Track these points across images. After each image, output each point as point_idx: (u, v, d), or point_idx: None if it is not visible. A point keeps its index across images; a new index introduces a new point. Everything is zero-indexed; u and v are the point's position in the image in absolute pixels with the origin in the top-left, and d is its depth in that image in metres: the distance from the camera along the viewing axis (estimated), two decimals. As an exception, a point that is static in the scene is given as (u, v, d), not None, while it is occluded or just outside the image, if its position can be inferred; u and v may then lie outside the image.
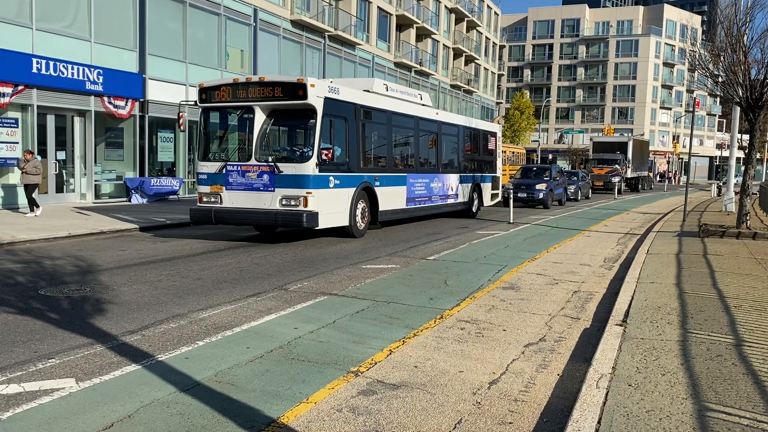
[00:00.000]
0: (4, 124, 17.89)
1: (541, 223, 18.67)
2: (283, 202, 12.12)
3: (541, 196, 24.56)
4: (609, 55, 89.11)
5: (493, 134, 22.61)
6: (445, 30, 53.26)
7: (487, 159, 21.87)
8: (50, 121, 19.39)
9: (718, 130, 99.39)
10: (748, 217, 14.82)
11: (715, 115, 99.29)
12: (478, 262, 10.75)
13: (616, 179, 39.74)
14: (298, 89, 11.98)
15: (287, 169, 12.12)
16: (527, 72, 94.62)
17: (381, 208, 14.58)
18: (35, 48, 18.37)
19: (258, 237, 13.89)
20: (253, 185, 12.31)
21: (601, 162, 42.93)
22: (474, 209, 20.41)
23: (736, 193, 21.06)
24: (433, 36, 49.62)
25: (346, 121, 13.28)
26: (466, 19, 56.79)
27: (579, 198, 31.49)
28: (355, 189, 13.43)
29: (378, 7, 40.39)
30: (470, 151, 20.52)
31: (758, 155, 27.79)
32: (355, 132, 13.66)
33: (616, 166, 42.00)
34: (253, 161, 12.33)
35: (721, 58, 15.63)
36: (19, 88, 17.71)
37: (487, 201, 21.75)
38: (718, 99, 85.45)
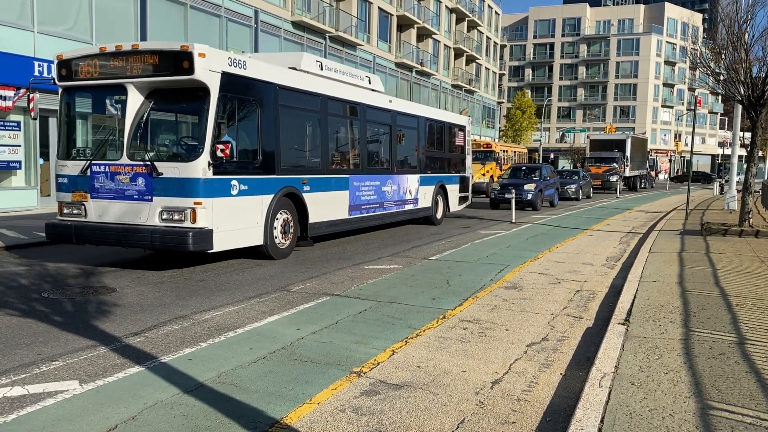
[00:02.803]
0: (7, 127, 17.93)
1: (543, 222, 18.67)
2: (164, 216, 8.99)
3: (529, 197, 22.95)
4: (610, 53, 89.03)
5: (461, 128, 19.53)
6: (446, 30, 53.26)
7: (454, 157, 18.93)
8: (53, 123, 19.42)
9: (720, 128, 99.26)
10: (750, 215, 14.80)
11: (716, 113, 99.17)
12: (481, 261, 10.75)
13: (614, 178, 39.05)
14: (181, 60, 8.88)
15: (169, 170, 8.97)
16: (528, 71, 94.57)
17: (312, 219, 11.51)
18: (36, 51, 18.41)
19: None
20: (125, 192, 9.19)
21: (598, 161, 41.92)
22: (438, 215, 17.60)
23: (738, 192, 21.03)
24: (434, 36, 49.62)
25: (259, 106, 10.11)
26: (466, 18, 56.79)
27: (580, 197, 30.87)
28: (272, 196, 10.37)
29: (379, 7, 40.41)
30: (433, 148, 17.59)
31: (760, 153, 27.80)
32: (273, 121, 10.47)
33: (615, 164, 41.01)
34: (124, 159, 9.17)
35: (723, 56, 15.61)
36: (21, 91, 17.75)
37: (455, 206, 18.94)
38: (720, 97, 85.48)
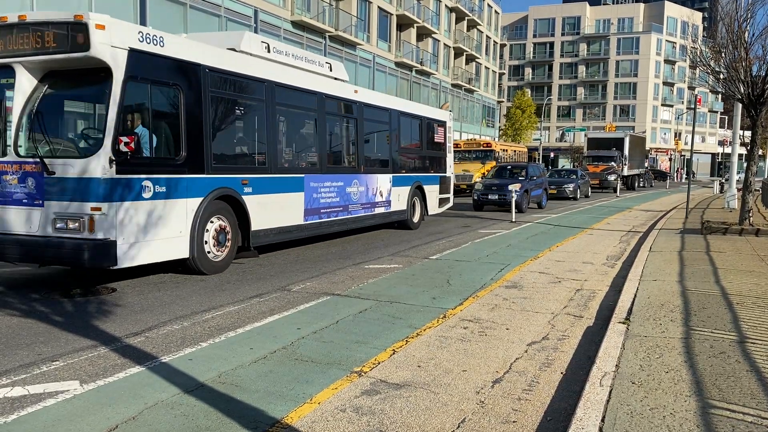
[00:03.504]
0: None
1: (543, 221, 18.67)
2: (58, 225, 7.48)
3: (514, 198, 20.72)
4: (610, 52, 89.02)
5: (441, 123, 17.62)
6: (446, 29, 53.26)
7: (433, 155, 17.09)
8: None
9: (720, 127, 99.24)
10: (750, 214, 14.80)
11: (716, 112, 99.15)
12: (481, 261, 10.75)
13: (612, 177, 38.52)
14: (76, 33, 7.34)
15: (63, 169, 7.47)
16: (528, 70, 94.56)
17: (255, 226, 9.90)
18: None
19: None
20: (13, 196, 7.71)
21: (596, 159, 41.06)
22: (415, 219, 15.97)
23: (738, 190, 21.03)
24: (433, 35, 49.62)
25: (182, 92, 8.50)
26: (466, 18, 56.79)
27: (578, 197, 30.36)
28: (201, 200, 8.80)
29: (378, 7, 40.40)
30: (409, 145, 15.88)
31: (760, 152, 27.79)
32: (201, 110, 8.83)
33: (612, 163, 40.25)
34: (11, 156, 7.74)
35: (723, 54, 15.61)
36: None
37: (434, 208, 17.23)
38: (720, 96, 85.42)
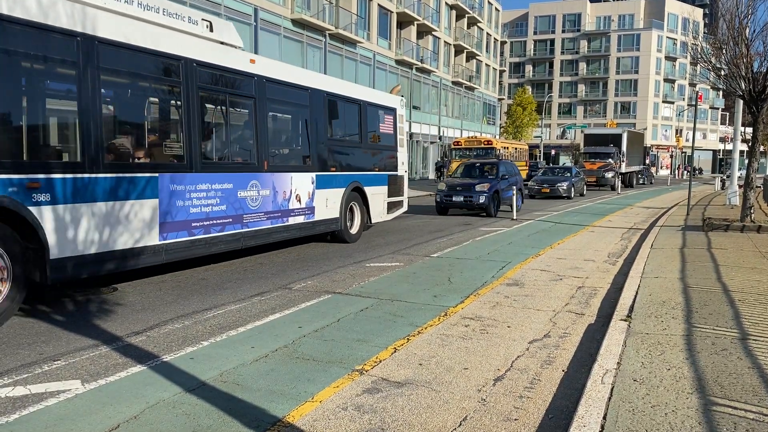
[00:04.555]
0: None
1: (545, 219, 18.66)
2: None
3: (481, 200, 18.75)
4: (611, 49, 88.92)
5: (390, 111, 14.47)
6: (446, 27, 53.19)
7: (378, 149, 13.99)
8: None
9: (721, 124, 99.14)
10: (752, 211, 14.78)
11: (718, 109, 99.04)
12: (482, 259, 10.74)
13: (609, 174, 37.57)
14: None
15: None
16: (529, 68, 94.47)
17: (58, 252, 6.70)
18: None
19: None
20: None
21: (593, 156, 39.60)
22: (353, 230, 12.97)
23: (740, 187, 21.01)
24: (434, 33, 49.56)
25: None
26: (466, 15, 56.73)
27: (572, 196, 28.83)
28: None
29: (378, 4, 40.36)
30: (342, 136, 12.80)
31: (761, 148, 27.74)
32: None
33: (610, 160, 38.89)
34: None
35: (724, 51, 15.57)
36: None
37: (381, 214, 14.02)
38: (721, 92, 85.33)
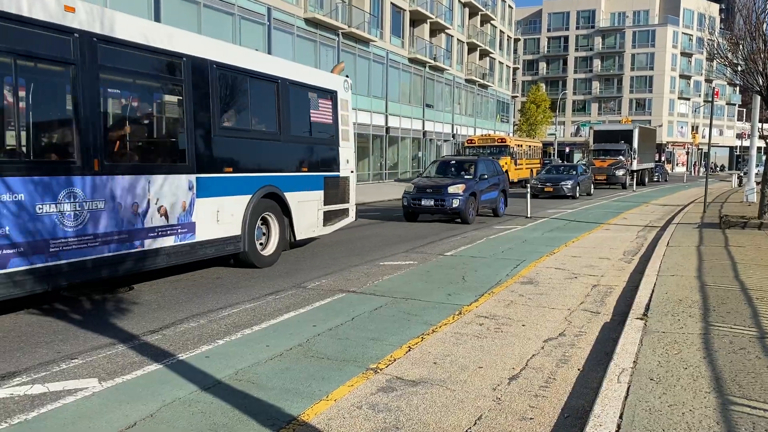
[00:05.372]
0: None
1: (560, 216, 18.55)
2: None
3: (455, 203, 16.01)
4: (625, 46, 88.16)
5: (327, 94, 11.36)
6: (459, 24, 53.04)
7: (308, 143, 10.93)
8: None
9: (738, 120, 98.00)
10: (770, 208, 14.60)
11: (734, 105, 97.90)
12: (496, 257, 10.71)
13: (620, 172, 36.06)
14: None
15: None
16: (543, 65, 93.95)
17: None
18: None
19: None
20: None
21: (603, 153, 37.63)
22: (266, 251, 9.98)
23: (757, 184, 20.77)
24: (447, 31, 49.44)
25: None
26: (480, 13, 56.52)
27: (577, 195, 26.97)
28: None
29: (391, 3, 40.33)
30: (248, 125, 9.63)
31: (780, 144, 27.34)
32: None
33: (621, 157, 37.01)
34: None
35: (740, 46, 15.39)
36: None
37: (314, 226, 11.04)
38: (738, 88, 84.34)
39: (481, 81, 57.41)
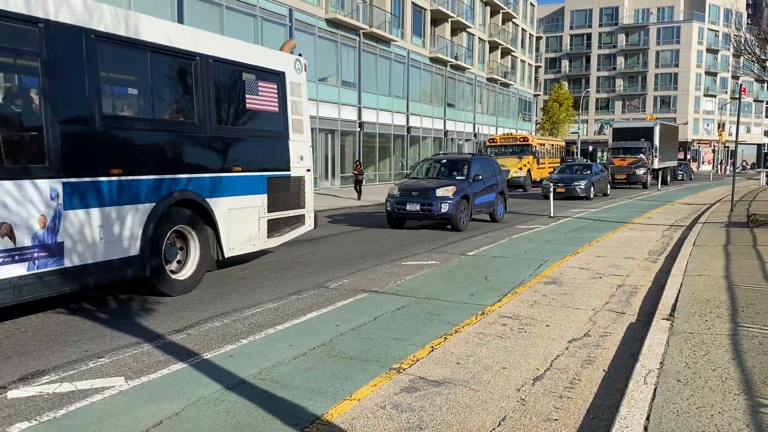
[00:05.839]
0: None
1: (583, 216, 18.37)
2: None
3: (444, 208, 14.23)
4: (650, 42, 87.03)
5: (272, 76, 9.53)
6: (481, 23, 52.80)
7: (246, 136, 9.11)
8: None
9: (766, 117, 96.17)
10: (800, 206, 14.30)
11: (762, 101, 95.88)
12: (519, 257, 10.64)
13: (641, 171, 34.67)
14: None
15: None
16: (565, 63, 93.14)
17: None
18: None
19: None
20: None
21: (624, 151, 36.27)
22: (183, 273, 8.07)
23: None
24: (468, 29, 49.24)
25: None
26: (501, 11, 56.22)
27: (591, 196, 25.60)
28: None
29: (412, 2, 40.27)
30: (149, 113, 7.69)
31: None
32: None
33: (641, 155, 35.59)
34: None
35: (769, 42, 15.10)
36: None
37: (253, 240, 9.16)
38: (766, 84, 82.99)
39: (503, 79, 57.09)
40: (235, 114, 8.91)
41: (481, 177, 15.74)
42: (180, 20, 22.56)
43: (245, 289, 8.13)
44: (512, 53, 60.59)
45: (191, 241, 8.12)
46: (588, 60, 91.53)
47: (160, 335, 5.99)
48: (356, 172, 26.03)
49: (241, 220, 8.86)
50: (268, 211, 9.41)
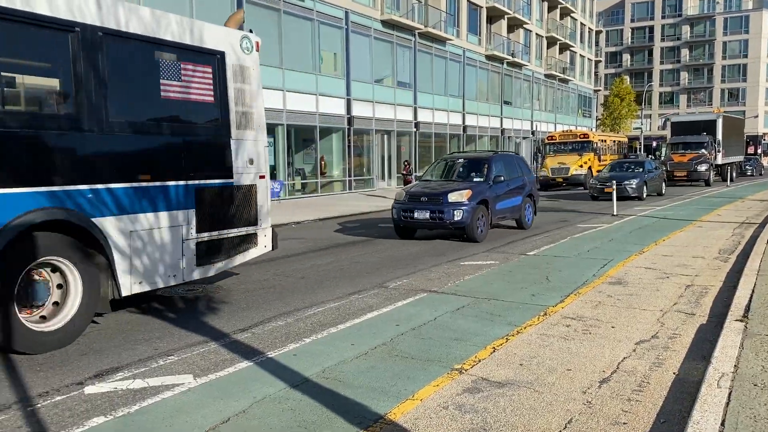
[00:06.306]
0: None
1: (648, 214, 17.82)
2: None
3: (457, 216, 12.26)
4: (716, 33, 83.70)
5: (208, 57, 7.36)
6: (538, 19, 51.95)
7: (167, 132, 6.90)
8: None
9: None
10: None
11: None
12: (581, 256, 10.41)
13: (703, 167, 32.26)
14: None
15: None
16: (626, 56, 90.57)
17: None
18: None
19: (354, 238, 14.10)
20: None
21: (684, 147, 33.95)
22: (55, 324, 5.77)
23: None
24: (525, 26, 48.53)
25: None
26: (559, 6, 55.15)
27: (644, 196, 23.44)
28: None
29: (468, 0, 39.98)
30: (18, 101, 5.83)
31: None
32: None
33: (703, 150, 33.30)
34: None
35: None
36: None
37: (177, 271, 6.93)
38: None
39: (562, 75, 55.98)
40: (140, 105, 6.75)
41: (503, 178, 13.68)
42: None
43: (306, 289, 8.25)
44: (571, 48, 59.35)
45: (71, 276, 5.94)
46: (650, 53, 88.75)
47: (226, 334, 6.14)
48: (405, 172, 25.99)
49: (152, 246, 6.68)
50: (198, 232, 7.17)
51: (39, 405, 4.39)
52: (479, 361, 5.10)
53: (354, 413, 4.11)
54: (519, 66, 47.57)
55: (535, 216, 15.46)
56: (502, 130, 45.34)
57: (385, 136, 32.26)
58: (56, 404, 4.40)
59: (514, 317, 6.50)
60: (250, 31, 8.39)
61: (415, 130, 34.28)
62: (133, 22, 6.51)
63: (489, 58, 43.04)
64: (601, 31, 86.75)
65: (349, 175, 29.31)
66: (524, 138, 49.29)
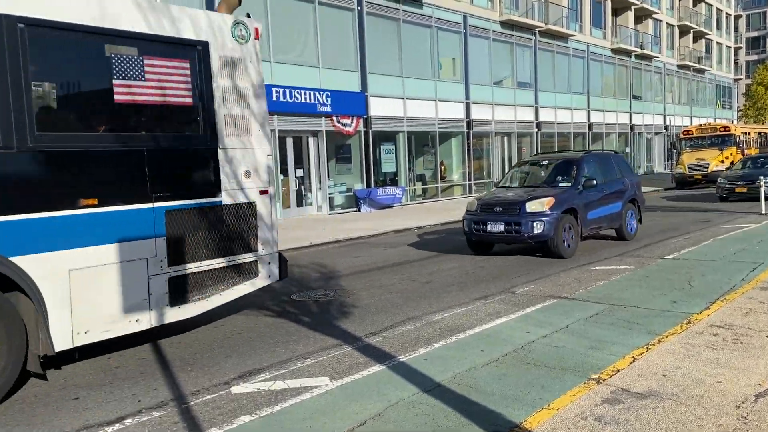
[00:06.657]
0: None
1: (802, 212, 16.21)
2: None
3: (537, 228, 10.62)
4: None
5: (180, 49, 6.07)
6: (668, 7, 48.99)
7: (121, 144, 5.65)
8: (288, 143, 21.55)
9: None
10: None
11: None
12: (727, 260, 9.67)
13: None
14: None
15: None
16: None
17: None
18: (273, 78, 20.55)
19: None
20: None
21: None
22: None
23: None
24: (654, 16, 45.92)
25: None
26: (692, -8, 51.74)
27: None
28: None
29: (590, -6, 38.52)
30: None
31: None
32: None
33: None
34: None
35: None
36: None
37: (140, 315, 5.74)
38: None
39: (697, 65, 52.36)
40: (82, 113, 5.66)
41: (596, 182, 11.68)
42: (361, 36, 23.67)
43: (432, 294, 8.29)
44: (706, 36, 55.40)
45: None
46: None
47: (358, 338, 6.31)
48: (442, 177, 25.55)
49: (102, 286, 5.51)
50: (171, 264, 5.99)
51: (192, 403, 4.74)
52: (618, 371, 4.88)
53: (488, 420, 4.08)
54: (649, 58, 45.10)
55: (640, 224, 13.44)
56: (632, 126, 43.13)
57: (505, 138, 31.74)
58: (206, 402, 4.73)
59: (654, 325, 6.16)
60: (247, 16, 6.88)
61: (536, 130, 33.47)
62: (71, 10, 5.31)
63: (615, 51, 41.15)
64: (740, 16, 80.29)
65: (469, 179, 29.13)
66: (656, 133, 46.60)
